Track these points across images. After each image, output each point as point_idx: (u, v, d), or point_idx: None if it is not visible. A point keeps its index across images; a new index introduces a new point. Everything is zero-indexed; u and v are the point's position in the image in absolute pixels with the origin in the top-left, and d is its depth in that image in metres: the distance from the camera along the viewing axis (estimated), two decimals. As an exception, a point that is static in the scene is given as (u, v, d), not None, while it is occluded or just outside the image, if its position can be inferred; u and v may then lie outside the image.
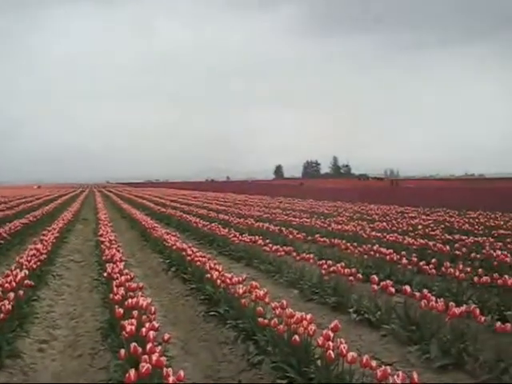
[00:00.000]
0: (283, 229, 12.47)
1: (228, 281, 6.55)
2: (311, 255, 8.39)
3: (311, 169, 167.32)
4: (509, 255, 7.98)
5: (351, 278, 6.87)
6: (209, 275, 7.21)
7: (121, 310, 5.10)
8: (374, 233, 11.36)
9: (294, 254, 8.76)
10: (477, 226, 12.90)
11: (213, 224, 14.04)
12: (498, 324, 4.77)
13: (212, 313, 6.76)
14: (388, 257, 8.16)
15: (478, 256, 8.47)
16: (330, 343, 4.05)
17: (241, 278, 6.59)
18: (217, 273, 7.03)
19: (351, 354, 3.83)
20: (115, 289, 5.89)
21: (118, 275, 6.51)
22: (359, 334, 5.91)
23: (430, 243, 9.48)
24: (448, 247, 9.02)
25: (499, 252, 8.15)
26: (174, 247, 10.00)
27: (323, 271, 7.39)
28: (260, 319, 5.18)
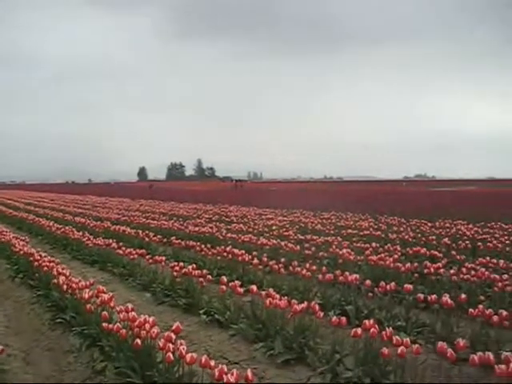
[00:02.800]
0: (140, 231, 12.28)
1: (75, 286, 6.31)
2: (163, 257, 8.32)
3: (176, 171, 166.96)
4: (352, 253, 8.48)
5: (201, 279, 6.91)
6: (55, 281, 6.90)
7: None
8: (229, 234, 11.52)
9: (148, 256, 8.64)
10: (328, 227, 13.57)
11: (67, 227, 13.48)
12: (334, 318, 5.02)
13: (58, 320, 6.47)
14: (240, 257, 8.30)
15: (326, 255, 8.89)
16: (170, 345, 4.03)
17: (88, 283, 6.37)
18: (63, 278, 6.75)
19: (190, 355, 3.83)
20: None
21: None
22: (209, 334, 5.96)
23: (282, 243, 9.80)
24: (299, 247, 9.38)
25: (344, 250, 8.63)
26: (22, 252, 9.46)
27: (175, 273, 7.36)
28: (105, 324, 5.04)
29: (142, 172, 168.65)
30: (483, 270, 6.92)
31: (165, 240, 11.56)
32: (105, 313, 5.25)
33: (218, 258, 8.89)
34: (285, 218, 16.54)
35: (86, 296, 5.78)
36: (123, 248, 9.48)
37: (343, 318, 4.99)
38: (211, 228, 12.94)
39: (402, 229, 12.88)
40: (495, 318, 4.93)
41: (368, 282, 6.53)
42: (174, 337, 4.20)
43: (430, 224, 13.96)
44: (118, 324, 4.82)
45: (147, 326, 4.46)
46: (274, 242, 10.09)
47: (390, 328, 4.48)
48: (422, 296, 5.97)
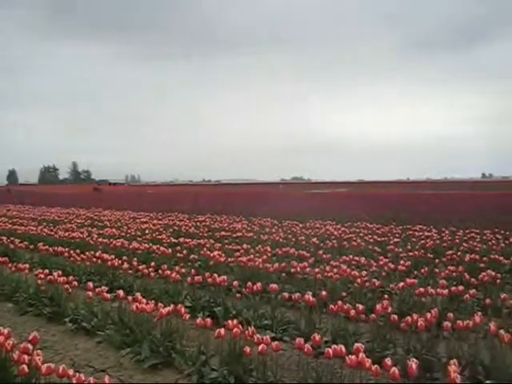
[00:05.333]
0: (4, 238, 11.63)
1: None
2: (27, 265, 7.94)
3: (49, 174, 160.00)
4: (223, 255, 8.61)
5: (67, 286, 6.69)
6: None
7: None
8: (101, 239, 11.24)
9: (10, 264, 8.20)
10: (202, 229, 13.65)
11: None
12: (199, 320, 5.07)
13: None
14: (110, 262, 8.14)
15: (197, 257, 8.95)
16: (26, 357, 3.86)
17: None
18: None
19: (46, 366, 3.70)
20: None
21: None
22: (75, 342, 5.78)
23: (154, 247, 9.72)
24: (171, 250, 9.36)
25: (216, 252, 8.73)
26: None
27: (39, 281, 7.06)
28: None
29: (11, 175, 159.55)
30: (345, 267, 7.31)
31: (32, 246, 11.04)
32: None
33: (88, 263, 8.65)
34: (159, 222, 16.41)
35: None
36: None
37: (208, 320, 5.05)
38: (82, 233, 12.55)
39: (273, 230, 13.25)
40: (352, 312, 5.23)
41: (236, 283, 6.67)
42: (31, 348, 4.04)
43: (301, 225, 14.48)
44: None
45: (1, 338, 4.23)
46: (146, 245, 9.99)
47: (252, 327, 4.62)
48: (286, 295, 6.19)
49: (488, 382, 3.30)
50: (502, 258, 8.56)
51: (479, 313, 5.04)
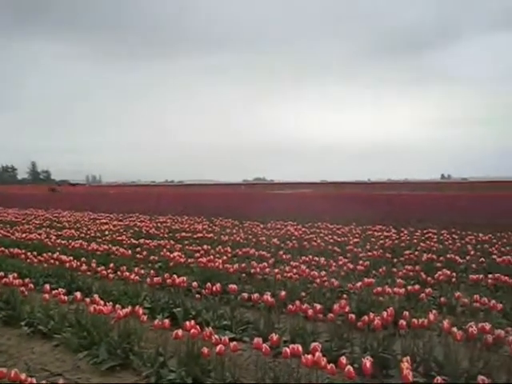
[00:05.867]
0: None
1: None
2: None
3: (7, 174, 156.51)
4: (184, 256, 8.58)
5: (23, 288, 6.57)
6: None
7: None
8: (59, 240, 11.06)
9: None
10: (163, 230, 13.57)
11: None
12: (157, 321, 5.04)
13: None
14: (68, 264, 8.02)
15: (157, 258, 8.90)
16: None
17: None
18: None
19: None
20: None
21: None
22: (31, 346, 5.68)
23: (114, 248, 9.62)
24: (130, 251, 9.27)
25: (176, 253, 8.70)
26: None
27: (-6, 284, 6.91)
28: None
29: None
30: (304, 267, 7.37)
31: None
32: None
33: (45, 265, 8.50)
34: (120, 223, 16.24)
35: None
36: None
37: (166, 321, 5.02)
38: (39, 234, 12.33)
39: (234, 231, 13.27)
40: (310, 312, 5.27)
41: (195, 283, 6.66)
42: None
43: (262, 226, 14.53)
44: None
45: None
46: (106, 247, 9.88)
47: (212, 328, 4.62)
48: (246, 295, 6.20)
49: (439, 377, 3.36)
50: (457, 258, 8.74)
51: (434, 311, 5.14)
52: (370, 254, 9.27)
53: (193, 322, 4.76)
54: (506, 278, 6.95)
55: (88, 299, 5.66)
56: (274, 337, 4.33)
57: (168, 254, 8.89)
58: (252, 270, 7.58)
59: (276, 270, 7.38)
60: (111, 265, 7.82)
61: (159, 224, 15.57)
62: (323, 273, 7.12)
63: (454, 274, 7.40)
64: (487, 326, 4.58)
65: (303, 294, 6.65)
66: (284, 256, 8.90)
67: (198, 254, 8.75)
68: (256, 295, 5.91)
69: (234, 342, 4.36)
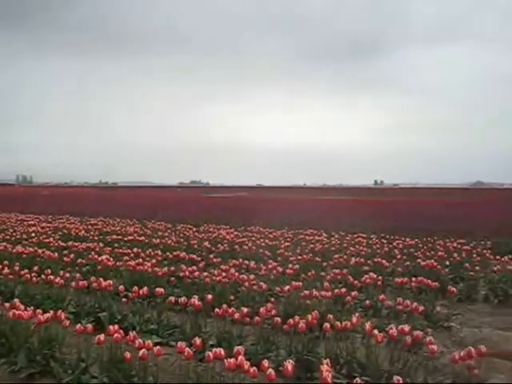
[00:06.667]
0: None
1: None
2: None
3: None
4: (111, 259, 8.41)
5: None
6: None
7: None
8: (-19, 243, 10.62)
9: None
10: (93, 233, 13.27)
11: None
12: (79, 326, 4.92)
13: None
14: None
15: (85, 261, 8.69)
16: None
17: None
18: None
19: None
20: None
21: None
22: None
23: (40, 251, 9.33)
24: (57, 254, 9.00)
25: (104, 256, 8.51)
26: None
27: None
28: None
29: None
30: (233, 271, 7.38)
31: None
32: None
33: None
34: (48, 225, 15.77)
35: None
36: None
37: (89, 326, 4.90)
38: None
39: (166, 234, 13.13)
40: (237, 315, 5.28)
41: (121, 287, 6.54)
42: None
43: (194, 229, 14.46)
44: None
45: None
46: (31, 249, 9.56)
47: (134, 332, 4.55)
48: (172, 299, 6.13)
49: (358, 379, 3.42)
50: (384, 261, 8.96)
51: (357, 314, 5.24)
52: (300, 257, 9.36)
53: (117, 326, 4.67)
54: (429, 281, 7.20)
55: (8, 304, 5.46)
56: (198, 341, 4.30)
57: (96, 257, 8.70)
58: (181, 274, 7.51)
59: (205, 274, 7.35)
60: (35, 268, 7.56)
61: (90, 226, 15.21)
62: (252, 276, 7.14)
63: (380, 277, 7.58)
64: (406, 327, 4.73)
65: (232, 297, 6.65)
66: (214, 259, 8.89)
67: (127, 257, 8.59)
68: (183, 299, 5.86)
69: (158, 347, 4.30)
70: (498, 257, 10.11)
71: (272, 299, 6.55)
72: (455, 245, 11.52)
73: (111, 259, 8.39)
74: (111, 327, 4.58)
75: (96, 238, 12.39)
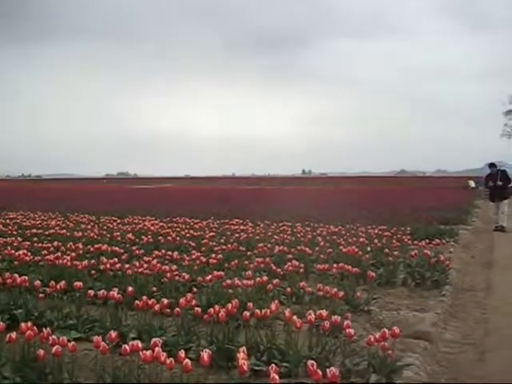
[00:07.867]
0: None
1: None
2: None
3: None
4: (29, 254, 8.13)
5: None
6: None
7: None
8: None
9: None
10: (11, 227, 12.77)
11: None
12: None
13: None
14: None
15: (0, 257, 8.37)
16: None
17: None
18: None
19: None
20: None
21: None
22: None
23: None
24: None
25: (21, 251, 8.22)
26: None
27: None
28: None
29: None
30: (155, 262, 7.31)
31: None
32: None
33: None
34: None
35: None
36: None
37: (0, 323, 4.71)
38: None
39: (89, 226, 12.82)
40: (157, 307, 5.23)
41: (38, 282, 6.33)
42: None
43: (119, 221, 14.20)
44: None
45: None
46: None
47: (49, 328, 4.41)
48: (91, 292, 6.00)
49: (273, 365, 3.45)
50: (307, 249, 9.10)
51: (276, 301, 5.31)
52: (224, 247, 9.37)
53: (31, 323, 4.51)
54: (349, 267, 7.37)
55: None
56: (113, 334, 4.23)
57: (13, 252, 8.37)
58: (102, 267, 7.36)
59: (127, 266, 7.23)
60: None
61: (8, 220, 14.63)
62: (174, 267, 7.09)
63: (303, 264, 7.69)
64: (324, 312, 4.82)
65: (155, 289, 6.57)
66: (137, 251, 8.76)
67: (46, 252, 8.32)
68: (102, 291, 5.75)
69: (73, 342, 4.18)
70: (415, 242, 10.51)
71: (195, 289, 6.53)
72: (376, 231, 11.85)
73: (29, 254, 8.11)
74: (23, 324, 4.42)
75: (15, 232, 11.92)
